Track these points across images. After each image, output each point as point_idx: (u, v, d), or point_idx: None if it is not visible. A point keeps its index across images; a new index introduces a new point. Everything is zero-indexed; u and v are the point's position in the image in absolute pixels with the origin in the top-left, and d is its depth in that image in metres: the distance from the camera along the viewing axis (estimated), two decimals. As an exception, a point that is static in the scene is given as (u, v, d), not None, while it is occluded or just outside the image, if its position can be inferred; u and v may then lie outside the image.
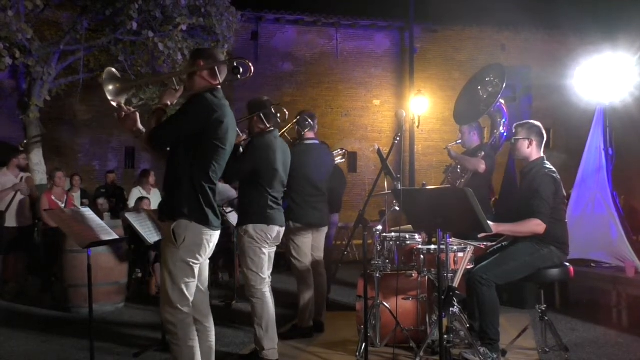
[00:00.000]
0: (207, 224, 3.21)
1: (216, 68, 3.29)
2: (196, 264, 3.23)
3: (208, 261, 3.44)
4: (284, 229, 4.56)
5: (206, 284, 3.48)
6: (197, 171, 3.18)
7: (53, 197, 7.81)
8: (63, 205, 7.77)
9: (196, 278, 3.27)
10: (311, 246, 5.28)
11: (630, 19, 10.89)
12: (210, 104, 3.18)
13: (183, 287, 3.19)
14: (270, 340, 4.30)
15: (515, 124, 4.57)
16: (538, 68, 16.23)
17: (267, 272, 4.42)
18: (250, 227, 4.32)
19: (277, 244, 4.55)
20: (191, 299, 3.24)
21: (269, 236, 4.37)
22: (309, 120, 5.32)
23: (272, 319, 4.34)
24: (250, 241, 4.32)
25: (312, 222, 5.22)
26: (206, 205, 3.21)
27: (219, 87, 3.32)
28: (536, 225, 4.15)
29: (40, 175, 9.30)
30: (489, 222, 3.90)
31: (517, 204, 4.50)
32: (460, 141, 6.00)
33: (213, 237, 3.29)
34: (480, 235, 4.23)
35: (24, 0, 8.14)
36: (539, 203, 4.16)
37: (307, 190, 5.16)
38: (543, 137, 4.45)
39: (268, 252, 4.43)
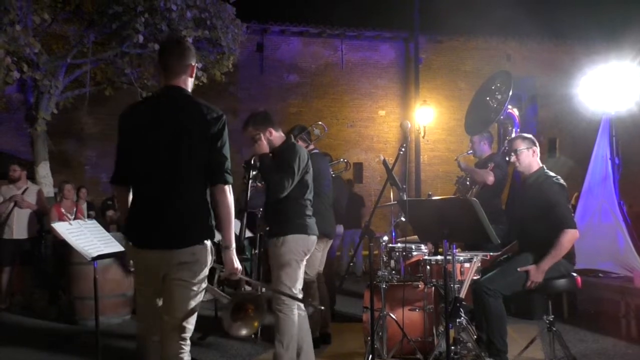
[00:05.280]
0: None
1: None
2: None
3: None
4: (316, 238, 4.27)
5: None
6: None
7: (62, 210, 7.84)
8: (72, 217, 7.80)
9: None
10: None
11: (636, 28, 10.88)
12: None
13: None
14: None
15: (509, 140, 4.59)
16: (543, 78, 16.20)
17: (299, 287, 4.11)
18: (290, 238, 4.00)
19: (309, 255, 4.27)
20: None
21: (308, 247, 4.09)
22: (305, 137, 5.31)
23: (295, 339, 4.05)
24: (287, 252, 3.98)
25: (326, 232, 5.16)
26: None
27: None
28: (571, 236, 4.13)
29: (47, 188, 9.33)
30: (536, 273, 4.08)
31: (521, 215, 4.49)
32: (471, 151, 6.00)
33: None
34: (521, 269, 4.18)
35: (31, 15, 8.22)
36: (559, 212, 4.15)
37: (321, 199, 5.04)
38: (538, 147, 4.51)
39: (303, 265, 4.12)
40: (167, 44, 3.19)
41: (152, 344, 3.00)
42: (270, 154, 4.07)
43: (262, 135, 4.04)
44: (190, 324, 2.91)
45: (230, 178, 2.94)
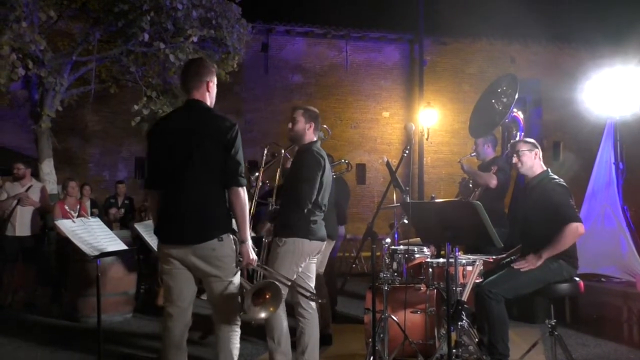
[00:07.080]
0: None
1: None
2: None
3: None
4: (325, 242, 4.27)
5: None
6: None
7: (66, 207, 7.85)
8: (76, 215, 7.81)
9: None
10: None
11: (641, 32, 10.87)
12: None
13: None
14: (283, 355, 4.07)
15: (512, 143, 4.60)
16: (548, 81, 16.18)
17: (286, 290, 4.03)
18: (290, 241, 3.99)
19: (317, 257, 4.29)
20: None
21: (309, 251, 4.06)
22: None
23: (285, 333, 4.10)
24: (285, 254, 3.99)
25: (328, 233, 5.11)
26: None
27: None
28: (574, 229, 4.11)
29: (50, 185, 9.36)
30: (533, 259, 4.12)
31: (525, 217, 4.48)
32: (474, 154, 5.99)
33: None
34: (518, 265, 4.20)
35: (37, 12, 8.25)
36: (563, 211, 4.15)
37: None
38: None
39: (301, 269, 4.10)
40: (186, 64, 3.58)
41: (176, 308, 3.45)
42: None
43: (302, 120, 4.17)
44: (233, 311, 3.43)
45: (243, 181, 3.26)
